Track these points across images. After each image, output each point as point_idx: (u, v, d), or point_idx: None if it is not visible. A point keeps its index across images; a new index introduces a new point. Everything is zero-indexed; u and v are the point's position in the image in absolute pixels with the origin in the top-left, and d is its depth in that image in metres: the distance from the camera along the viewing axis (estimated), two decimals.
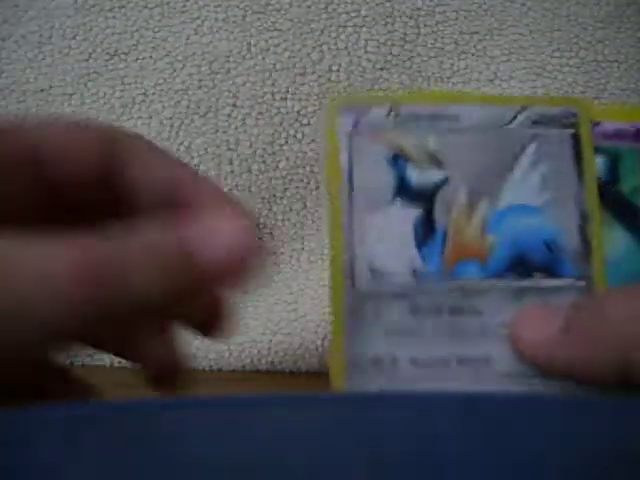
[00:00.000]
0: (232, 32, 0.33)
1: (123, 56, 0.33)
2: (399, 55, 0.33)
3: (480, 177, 0.23)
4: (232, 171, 0.32)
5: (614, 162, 0.23)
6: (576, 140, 0.23)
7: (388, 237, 0.22)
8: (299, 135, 0.32)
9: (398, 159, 0.23)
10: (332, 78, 0.32)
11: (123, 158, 0.21)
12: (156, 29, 0.33)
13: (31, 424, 0.15)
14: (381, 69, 0.33)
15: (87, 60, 0.33)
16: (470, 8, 0.33)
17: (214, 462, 0.14)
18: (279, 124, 0.32)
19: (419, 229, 0.23)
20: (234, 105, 0.32)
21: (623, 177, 0.23)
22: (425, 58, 0.33)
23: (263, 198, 0.32)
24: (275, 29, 0.33)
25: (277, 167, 0.32)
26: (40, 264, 0.16)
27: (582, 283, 0.22)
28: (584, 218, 0.23)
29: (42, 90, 0.33)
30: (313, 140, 0.32)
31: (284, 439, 0.15)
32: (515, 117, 0.23)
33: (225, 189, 0.32)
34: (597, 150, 0.23)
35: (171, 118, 0.32)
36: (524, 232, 0.23)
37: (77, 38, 0.33)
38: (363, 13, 0.33)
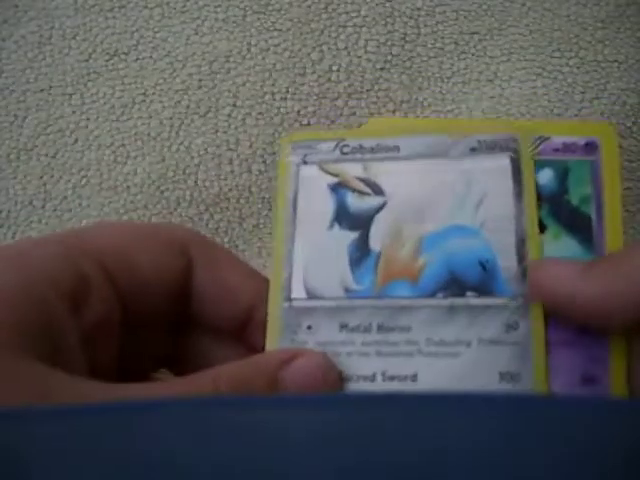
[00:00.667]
0: (232, 32, 0.33)
1: (123, 56, 0.33)
2: (399, 55, 0.33)
3: (418, 202, 0.24)
4: (232, 171, 0.32)
5: (563, 174, 0.23)
6: (516, 163, 0.24)
7: (324, 259, 0.24)
8: None
9: (339, 188, 0.25)
10: (332, 78, 0.32)
11: (197, 267, 0.23)
12: (156, 29, 0.33)
13: (29, 425, 0.15)
14: (381, 69, 0.33)
15: (87, 60, 0.33)
16: (470, 8, 0.33)
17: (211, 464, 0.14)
18: (279, 124, 0.32)
19: (354, 251, 0.24)
20: (234, 105, 0.32)
21: (572, 188, 0.23)
22: (425, 58, 0.33)
23: (263, 198, 0.32)
24: (275, 29, 0.33)
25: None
26: None
27: (516, 302, 0.23)
28: (521, 238, 0.23)
29: (42, 90, 0.33)
30: None
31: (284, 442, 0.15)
32: (453, 146, 0.24)
33: (225, 189, 0.32)
34: (546, 164, 0.23)
35: (171, 118, 0.32)
36: (459, 252, 0.23)
37: (77, 38, 0.33)
38: (363, 13, 0.33)
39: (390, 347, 0.23)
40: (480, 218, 0.23)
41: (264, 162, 0.32)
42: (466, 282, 0.23)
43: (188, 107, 0.32)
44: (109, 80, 0.33)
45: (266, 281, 0.24)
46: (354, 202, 0.24)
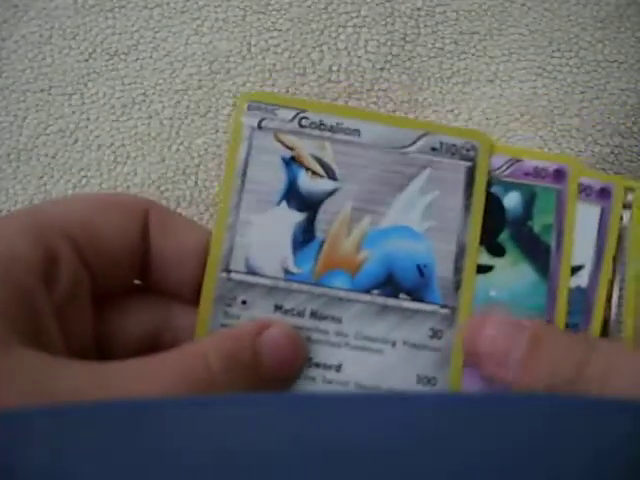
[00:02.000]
0: (232, 32, 0.33)
1: (123, 56, 0.33)
2: (399, 55, 0.33)
3: (369, 194, 0.24)
4: None
5: (529, 200, 0.23)
6: (470, 173, 0.24)
7: (268, 236, 0.24)
8: None
9: (293, 163, 0.24)
10: (332, 78, 0.32)
11: (153, 234, 0.23)
12: (156, 29, 0.33)
13: (30, 424, 0.15)
14: (381, 69, 0.33)
15: (87, 60, 0.33)
16: (470, 8, 0.33)
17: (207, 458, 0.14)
18: None
19: (298, 233, 0.24)
20: (234, 105, 0.32)
21: (536, 215, 0.23)
22: (425, 58, 0.33)
23: None
24: (275, 29, 0.33)
25: None
26: (144, 391, 0.18)
27: (446, 311, 0.23)
28: (461, 250, 0.23)
29: (42, 90, 0.33)
30: None
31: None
32: (415, 141, 0.24)
33: None
34: (515, 186, 0.23)
35: (171, 118, 0.32)
36: (400, 253, 0.23)
37: (77, 38, 0.33)
38: (363, 13, 0.33)
39: (320, 335, 0.23)
40: (426, 223, 0.24)
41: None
42: (402, 284, 0.23)
43: (188, 107, 0.32)
44: (109, 80, 0.33)
45: None
46: (306, 182, 0.24)
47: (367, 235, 0.24)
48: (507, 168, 0.24)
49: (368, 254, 0.24)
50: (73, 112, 0.33)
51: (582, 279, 0.23)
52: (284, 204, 0.24)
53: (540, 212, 0.23)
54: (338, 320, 0.23)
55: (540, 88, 0.32)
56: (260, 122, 0.24)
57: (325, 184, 0.24)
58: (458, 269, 0.23)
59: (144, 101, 0.33)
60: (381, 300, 0.23)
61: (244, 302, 0.23)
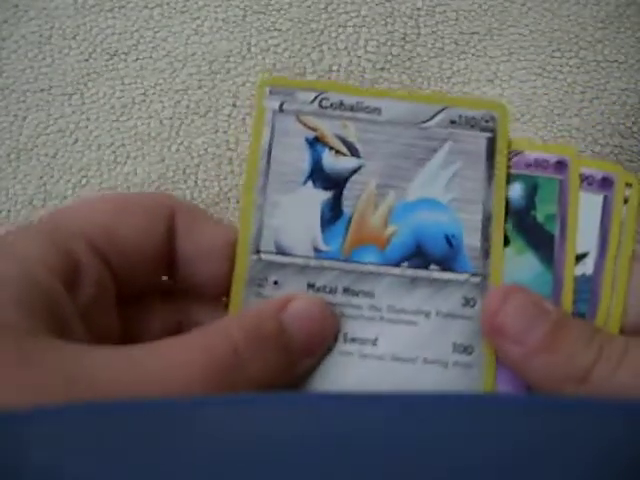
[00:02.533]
0: (232, 32, 0.33)
1: (123, 56, 0.33)
2: (399, 55, 0.33)
3: (393, 169, 0.24)
4: (232, 171, 0.32)
5: (532, 190, 0.24)
6: (491, 144, 0.24)
7: (296, 216, 0.24)
8: None
9: (316, 143, 0.24)
10: (332, 78, 0.32)
11: (180, 233, 0.24)
12: (156, 29, 0.33)
13: (36, 423, 0.15)
14: (381, 69, 0.33)
15: (87, 60, 0.33)
16: (470, 8, 0.33)
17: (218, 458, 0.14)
18: None
19: (326, 211, 0.24)
20: (234, 105, 0.32)
21: (539, 205, 0.24)
22: (425, 58, 0.33)
23: None
24: (275, 29, 0.33)
25: None
26: (169, 372, 0.18)
27: (476, 279, 0.23)
28: (487, 218, 0.24)
29: (42, 90, 0.33)
30: None
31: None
32: (434, 115, 0.25)
33: (225, 189, 0.32)
34: (517, 178, 0.24)
35: (171, 118, 0.32)
36: (427, 225, 0.24)
37: (77, 38, 0.33)
38: (363, 13, 0.33)
39: (354, 310, 0.23)
40: (450, 194, 0.24)
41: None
42: (431, 255, 0.24)
43: (188, 107, 0.32)
44: (109, 80, 0.33)
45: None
46: (330, 161, 0.24)
47: (394, 209, 0.24)
48: (509, 160, 0.24)
49: (396, 228, 0.24)
50: (73, 112, 0.33)
51: (587, 266, 0.23)
52: (310, 184, 0.24)
53: (543, 202, 0.24)
54: (370, 294, 0.23)
55: (540, 88, 0.32)
56: (281, 105, 0.25)
57: (349, 162, 0.24)
58: (486, 237, 0.24)
59: (144, 101, 0.33)
60: (411, 272, 0.24)
61: (276, 282, 0.24)
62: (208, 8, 0.33)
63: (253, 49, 0.33)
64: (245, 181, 0.24)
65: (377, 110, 0.25)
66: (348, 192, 0.24)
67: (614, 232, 0.23)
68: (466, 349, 0.23)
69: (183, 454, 0.15)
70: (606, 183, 0.24)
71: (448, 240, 0.24)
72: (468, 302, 0.23)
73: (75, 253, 0.21)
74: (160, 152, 0.32)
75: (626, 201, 0.24)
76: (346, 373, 0.23)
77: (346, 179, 0.24)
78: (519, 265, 0.23)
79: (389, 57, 0.33)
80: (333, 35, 0.33)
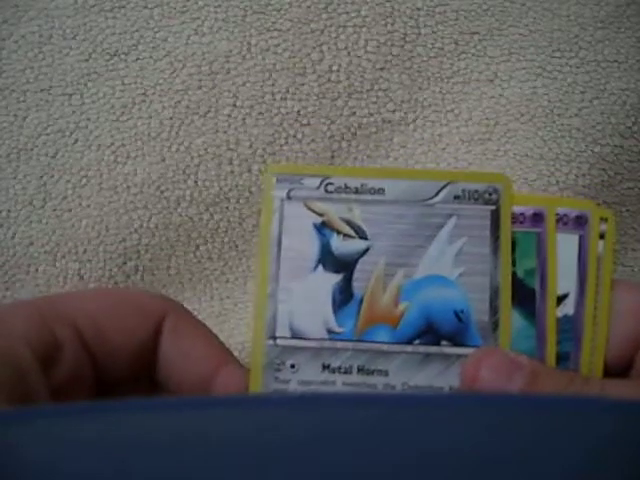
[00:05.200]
0: (232, 32, 0.33)
1: (123, 56, 0.33)
2: (399, 55, 0.33)
3: (400, 248, 0.25)
4: (232, 171, 0.32)
5: (511, 247, 0.24)
6: (495, 217, 0.25)
7: (308, 300, 0.25)
8: (299, 135, 0.32)
9: (324, 228, 0.25)
10: (332, 78, 0.32)
11: (164, 334, 0.25)
12: (156, 29, 0.33)
13: (36, 425, 0.15)
14: (381, 69, 0.33)
15: (87, 60, 0.33)
16: (470, 8, 0.33)
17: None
18: (279, 124, 0.32)
19: (337, 294, 0.25)
20: (234, 105, 0.32)
21: (518, 260, 0.24)
22: (425, 58, 0.33)
23: None
24: (275, 29, 0.33)
25: None
26: None
27: None
28: (495, 291, 0.24)
29: (42, 90, 0.33)
30: (313, 140, 0.32)
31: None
32: (438, 192, 0.25)
33: (225, 189, 0.32)
34: None
35: (171, 118, 0.32)
36: (436, 302, 0.24)
37: (77, 38, 0.33)
38: (363, 13, 0.33)
39: (369, 389, 0.24)
40: (458, 269, 0.24)
41: (264, 162, 0.32)
42: (441, 331, 0.24)
43: (188, 107, 0.32)
44: (109, 80, 0.33)
45: (229, 354, 0.25)
46: (339, 245, 0.25)
47: (403, 288, 0.25)
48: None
49: (406, 306, 0.24)
50: (73, 112, 0.33)
51: (568, 307, 0.24)
52: (320, 268, 0.25)
53: (522, 257, 0.25)
54: (385, 373, 0.24)
55: (540, 88, 0.32)
56: (289, 192, 0.25)
57: (357, 244, 0.25)
58: (494, 310, 0.24)
59: (144, 101, 0.33)
60: (424, 349, 0.24)
61: (293, 366, 0.24)
62: (208, 8, 0.33)
63: (253, 49, 0.33)
64: (259, 269, 0.25)
65: (381, 190, 0.25)
66: (358, 274, 0.25)
67: (592, 269, 0.24)
68: None
69: (182, 454, 0.15)
70: (581, 221, 0.25)
71: (457, 315, 0.24)
72: None
73: (59, 336, 0.23)
74: (160, 152, 0.32)
75: (602, 236, 0.24)
76: None
77: (355, 261, 0.25)
78: None
79: (389, 57, 0.33)
80: (333, 35, 0.33)
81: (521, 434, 0.15)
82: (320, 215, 0.25)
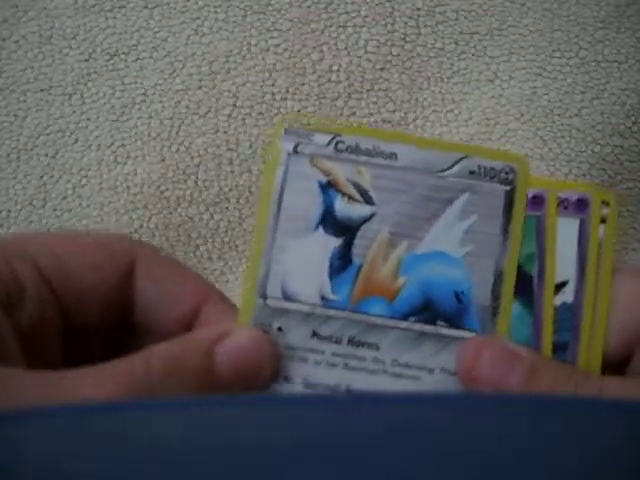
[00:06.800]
0: (232, 32, 0.33)
1: (123, 56, 0.33)
2: (399, 55, 0.33)
3: (406, 219, 0.23)
4: (232, 171, 0.32)
5: None
6: (509, 198, 0.23)
7: (304, 262, 0.23)
8: None
9: (329, 188, 0.24)
10: (332, 78, 0.32)
11: (139, 277, 0.24)
12: (156, 29, 0.33)
13: (30, 423, 0.15)
14: (381, 69, 0.33)
15: (87, 60, 0.33)
16: (470, 8, 0.33)
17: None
18: None
19: (335, 259, 0.23)
20: (234, 105, 0.32)
21: None
22: (425, 58, 0.33)
23: None
24: (275, 29, 0.33)
25: None
26: (92, 397, 0.18)
27: None
28: (499, 276, 0.23)
29: (42, 90, 0.33)
30: None
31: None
32: (453, 165, 0.24)
33: (225, 189, 0.32)
34: None
35: (171, 118, 0.32)
36: (437, 279, 0.23)
37: (77, 38, 0.33)
38: (363, 13, 0.33)
39: (357, 362, 0.23)
40: (464, 249, 0.23)
41: (264, 162, 0.32)
42: (439, 311, 0.23)
43: (188, 107, 0.32)
44: (109, 80, 0.33)
45: (212, 287, 0.24)
46: (342, 207, 0.24)
47: (404, 261, 0.23)
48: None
49: (405, 280, 0.23)
50: (73, 112, 0.33)
51: (567, 295, 0.23)
52: (321, 229, 0.24)
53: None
54: (375, 347, 0.23)
55: (540, 88, 0.32)
56: (296, 147, 0.24)
57: (362, 209, 0.24)
58: (496, 295, 0.23)
59: (144, 101, 0.33)
60: (418, 327, 0.23)
61: (280, 329, 0.23)
62: (208, 8, 0.33)
63: (253, 49, 0.33)
64: (256, 225, 0.24)
65: (393, 155, 0.24)
66: (359, 240, 0.23)
67: (592, 255, 0.23)
68: None
69: (182, 455, 0.15)
70: (582, 204, 0.23)
71: (457, 296, 0.23)
72: None
73: (21, 276, 0.21)
74: (160, 152, 0.32)
75: (603, 220, 0.23)
76: None
77: (358, 227, 0.24)
78: None
79: (389, 57, 0.33)
80: (333, 35, 0.33)
81: (533, 435, 0.15)
82: (326, 174, 0.24)
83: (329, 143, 0.24)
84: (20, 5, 0.33)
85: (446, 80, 0.33)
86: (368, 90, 0.32)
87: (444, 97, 0.33)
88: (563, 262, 0.23)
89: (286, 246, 0.23)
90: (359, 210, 0.24)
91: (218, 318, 0.23)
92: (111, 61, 0.33)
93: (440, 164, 0.24)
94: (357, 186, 0.24)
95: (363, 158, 0.24)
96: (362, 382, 0.23)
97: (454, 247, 0.23)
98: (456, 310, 0.23)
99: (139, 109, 0.32)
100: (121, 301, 0.24)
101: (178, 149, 0.32)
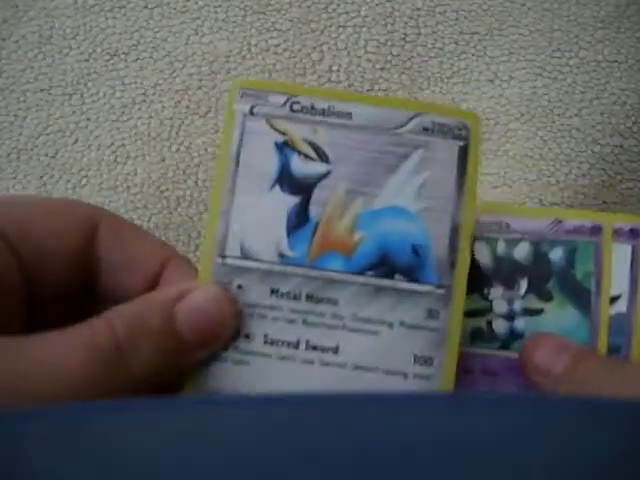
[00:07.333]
0: (232, 32, 0.33)
1: (123, 56, 0.33)
2: (399, 55, 0.33)
3: (362, 175, 0.24)
4: None
5: (571, 253, 0.27)
6: (463, 153, 0.24)
7: (262, 220, 0.24)
8: None
9: (286, 148, 0.24)
10: (332, 78, 0.32)
11: (103, 241, 0.23)
12: (156, 29, 0.33)
13: (28, 425, 0.15)
14: (381, 69, 0.33)
15: (87, 60, 0.33)
16: (470, 8, 0.33)
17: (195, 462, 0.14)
18: None
19: (292, 216, 0.24)
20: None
21: (578, 265, 0.27)
22: (425, 58, 0.33)
23: None
24: (275, 29, 0.33)
25: None
26: (54, 361, 0.18)
27: (441, 291, 0.23)
28: (455, 229, 0.24)
29: (42, 90, 0.33)
30: None
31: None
32: (407, 122, 0.24)
33: None
34: (558, 243, 0.27)
35: (171, 118, 0.32)
36: (394, 234, 0.24)
37: (77, 38, 0.33)
38: (363, 13, 0.33)
39: (316, 317, 0.23)
40: (420, 203, 0.24)
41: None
42: (397, 264, 0.23)
43: (188, 107, 0.32)
44: (109, 80, 0.33)
45: (174, 250, 0.24)
46: (298, 165, 0.24)
47: (361, 216, 0.24)
48: (552, 228, 0.27)
49: (362, 235, 0.24)
50: (73, 112, 0.33)
51: (621, 306, 0.27)
52: (277, 188, 0.24)
53: (581, 262, 0.27)
54: (334, 302, 0.23)
55: (540, 88, 0.32)
56: (252, 108, 0.24)
57: (318, 167, 0.24)
58: (453, 248, 0.23)
59: (144, 101, 0.33)
60: (376, 281, 0.23)
61: (240, 286, 0.23)
62: (208, 8, 0.33)
63: (253, 49, 0.33)
64: (214, 185, 0.24)
65: (348, 115, 0.24)
66: (316, 198, 0.24)
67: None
68: (427, 361, 0.23)
69: (182, 456, 0.15)
70: (633, 234, 0.27)
71: (415, 250, 0.23)
72: (432, 314, 0.23)
73: None
74: (160, 152, 0.32)
75: None
76: (307, 381, 0.23)
77: (314, 184, 0.24)
78: (561, 317, 0.26)
79: (389, 57, 0.33)
80: (333, 35, 0.33)
81: (551, 434, 0.15)
82: (283, 134, 0.24)
83: (284, 104, 0.24)
84: (20, 5, 0.33)
85: (446, 80, 0.33)
86: (368, 90, 0.32)
87: (444, 97, 0.33)
88: (617, 279, 0.27)
89: (244, 205, 0.24)
90: (315, 168, 0.24)
91: (179, 278, 0.23)
92: (111, 61, 0.33)
93: (394, 121, 0.24)
94: (313, 145, 0.24)
95: (319, 118, 0.24)
96: (321, 337, 0.23)
97: (410, 202, 0.24)
98: (414, 263, 0.23)
99: (139, 109, 0.32)
100: (85, 266, 0.23)
101: (178, 149, 0.32)
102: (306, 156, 0.24)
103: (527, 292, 0.26)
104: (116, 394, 0.19)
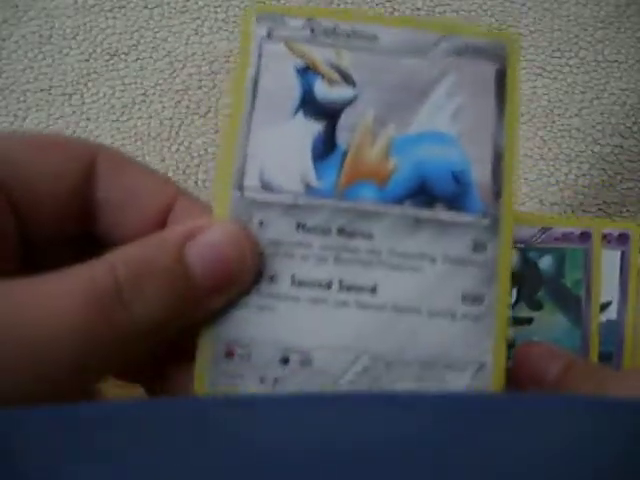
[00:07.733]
0: (232, 32, 0.33)
1: (123, 56, 0.33)
2: None
3: (392, 100, 0.22)
4: None
5: (561, 260, 0.26)
6: (500, 75, 0.22)
7: (285, 149, 0.21)
8: None
9: (307, 72, 0.22)
10: None
11: (101, 179, 0.21)
12: (156, 29, 0.33)
13: (43, 425, 0.15)
14: None
15: (87, 60, 0.33)
16: (470, 8, 0.33)
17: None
18: None
19: (318, 144, 0.21)
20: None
21: (568, 272, 0.26)
22: None
23: None
24: None
25: None
26: (47, 305, 0.16)
27: (486, 221, 0.21)
28: (498, 155, 0.22)
29: (42, 90, 0.33)
30: None
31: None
32: (437, 43, 0.22)
33: None
34: (548, 250, 0.26)
35: (171, 118, 0.32)
36: (432, 160, 0.21)
37: (77, 38, 0.33)
38: None
39: (350, 254, 0.21)
40: (457, 127, 0.22)
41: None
42: (436, 193, 0.21)
43: (188, 107, 0.32)
44: (109, 80, 0.33)
45: (181, 187, 0.22)
46: (322, 89, 0.22)
47: (394, 142, 0.21)
48: (539, 236, 0.26)
49: (397, 162, 0.21)
50: (73, 112, 0.33)
51: (611, 313, 0.27)
52: (300, 114, 0.21)
53: (570, 269, 0.26)
54: (369, 236, 0.21)
55: (540, 88, 0.32)
56: (270, 31, 0.22)
57: (344, 91, 0.22)
58: (497, 176, 0.22)
59: (144, 101, 0.33)
60: (415, 212, 0.21)
61: (261, 223, 0.21)
62: (208, 8, 0.33)
63: None
64: (230, 113, 0.22)
65: (374, 37, 0.22)
66: (343, 123, 0.21)
67: (632, 280, 0.27)
68: (476, 299, 0.21)
69: (183, 456, 0.15)
70: (622, 239, 0.27)
71: (455, 177, 0.21)
72: (478, 247, 0.21)
73: None
74: (160, 152, 0.32)
75: None
76: (342, 326, 0.21)
77: (340, 109, 0.22)
78: (552, 325, 0.26)
79: None
80: None
81: (551, 434, 0.15)
82: (303, 58, 0.22)
83: (304, 26, 0.22)
84: (20, 5, 0.33)
85: None
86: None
87: None
88: (607, 286, 0.27)
89: (264, 134, 0.21)
90: (341, 92, 0.22)
91: (190, 216, 0.20)
92: (111, 61, 0.33)
93: (423, 44, 0.22)
94: (337, 68, 0.22)
95: (342, 41, 0.22)
96: (356, 276, 0.21)
97: (446, 125, 0.22)
98: (455, 191, 0.21)
99: (139, 109, 0.32)
100: (84, 205, 0.21)
101: (178, 149, 0.32)
102: (330, 80, 0.22)
103: (517, 301, 0.26)
104: (118, 346, 0.17)
